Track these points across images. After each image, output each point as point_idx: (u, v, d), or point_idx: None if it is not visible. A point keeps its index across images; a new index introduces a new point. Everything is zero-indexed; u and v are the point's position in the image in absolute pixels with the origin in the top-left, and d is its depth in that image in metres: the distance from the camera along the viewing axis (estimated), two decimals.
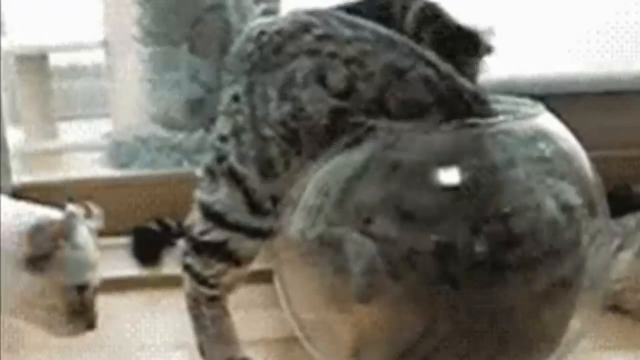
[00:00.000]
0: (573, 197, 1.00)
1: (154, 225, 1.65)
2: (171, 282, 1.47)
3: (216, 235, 1.10)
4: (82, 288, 1.07)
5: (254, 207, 1.08)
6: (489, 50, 1.13)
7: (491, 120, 1.00)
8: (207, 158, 1.12)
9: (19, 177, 1.82)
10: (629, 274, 1.31)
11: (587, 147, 1.71)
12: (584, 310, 1.04)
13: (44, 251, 1.05)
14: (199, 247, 1.11)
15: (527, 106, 1.09)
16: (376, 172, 0.99)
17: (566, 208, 0.98)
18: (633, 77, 1.78)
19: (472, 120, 0.99)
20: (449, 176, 0.98)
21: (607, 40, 1.81)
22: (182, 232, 1.64)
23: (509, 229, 0.96)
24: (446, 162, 0.98)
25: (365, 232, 0.98)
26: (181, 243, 1.16)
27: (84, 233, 1.10)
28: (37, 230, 1.05)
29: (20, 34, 2.58)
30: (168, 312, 1.40)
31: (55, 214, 1.09)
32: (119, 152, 1.90)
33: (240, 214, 1.08)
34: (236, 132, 1.08)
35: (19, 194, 1.70)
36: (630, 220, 1.40)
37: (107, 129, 2.16)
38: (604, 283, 1.06)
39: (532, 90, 1.72)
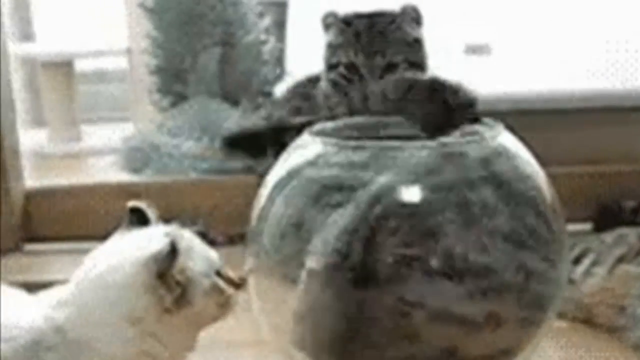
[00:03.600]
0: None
1: None
2: None
3: None
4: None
5: None
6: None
7: (447, 140, 1.05)
8: None
9: (40, 180, 1.89)
10: (602, 289, 1.35)
11: (579, 162, 1.76)
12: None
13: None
14: None
15: (488, 126, 1.13)
16: (334, 191, 1.04)
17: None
18: (630, 93, 1.81)
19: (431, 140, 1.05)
20: (408, 194, 1.03)
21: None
22: None
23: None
24: (406, 181, 1.03)
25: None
26: None
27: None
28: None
29: (47, 41, 2.66)
30: None
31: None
32: (133, 157, 1.97)
33: None
34: None
35: (31, 197, 1.78)
36: (607, 236, 1.44)
37: (129, 133, 2.23)
38: (558, 299, 1.09)
39: (530, 106, 1.77)
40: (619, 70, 1.79)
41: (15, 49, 2.45)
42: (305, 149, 1.10)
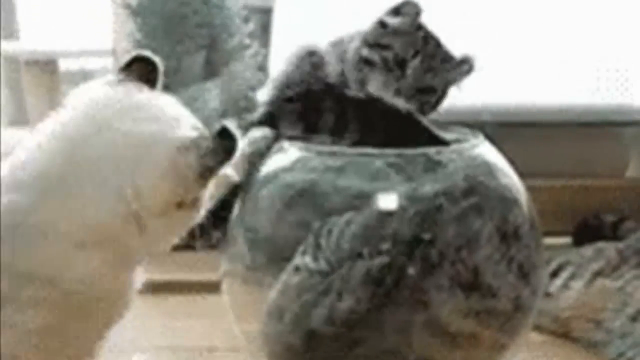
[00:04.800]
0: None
1: None
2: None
3: None
4: None
5: None
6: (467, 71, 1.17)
7: (425, 149, 1.04)
8: None
9: None
10: (579, 303, 1.34)
11: (560, 175, 1.76)
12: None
13: None
14: None
15: (468, 136, 1.12)
16: (310, 196, 1.03)
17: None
18: (614, 108, 1.81)
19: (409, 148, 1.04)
20: (384, 201, 1.02)
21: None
22: None
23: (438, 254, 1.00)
24: (381, 188, 1.03)
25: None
26: None
27: None
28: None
29: (31, 39, 2.64)
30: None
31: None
32: None
33: None
34: None
35: None
36: (586, 250, 1.44)
37: None
38: (532, 312, 1.09)
39: (513, 118, 1.77)
40: (603, 85, 1.80)
41: None
42: (283, 154, 1.09)
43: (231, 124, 0.84)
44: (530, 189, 1.11)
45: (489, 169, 1.08)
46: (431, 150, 1.06)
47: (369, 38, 1.16)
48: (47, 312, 0.80)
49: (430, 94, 1.15)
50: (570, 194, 1.75)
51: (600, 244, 1.46)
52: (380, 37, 1.15)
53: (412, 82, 1.14)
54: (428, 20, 1.17)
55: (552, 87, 1.81)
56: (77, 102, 0.85)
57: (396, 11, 1.16)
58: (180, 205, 0.83)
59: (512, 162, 1.11)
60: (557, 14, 1.80)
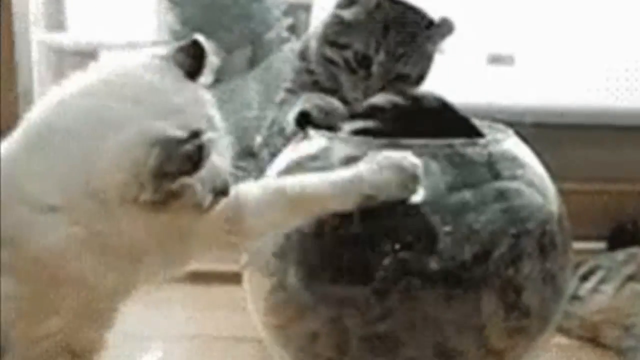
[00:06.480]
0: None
1: None
2: None
3: None
4: None
5: None
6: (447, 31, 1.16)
7: (451, 141, 1.03)
8: None
9: None
10: (609, 307, 1.32)
11: (597, 180, 1.74)
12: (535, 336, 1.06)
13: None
14: None
15: (498, 131, 1.10)
16: None
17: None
18: None
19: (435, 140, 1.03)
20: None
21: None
22: None
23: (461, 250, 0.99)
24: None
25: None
26: None
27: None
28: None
29: (77, 31, 2.66)
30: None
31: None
32: None
33: None
34: None
35: None
36: (619, 254, 1.41)
37: None
38: (556, 314, 1.06)
39: (551, 120, 1.75)
40: None
41: (45, 37, 2.47)
42: (309, 143, 1.08)
43: (208, 136, 0.75)
44: (566, 193, 1.08)
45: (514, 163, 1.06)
46: (458, 143, 1.04)
47: (328, 36, 1.14)
48: (17, 278, 0.76)
49: (406, 80, 1.13)
50: (607, 198, 1.72)
51: (634, 249, 1.43)
52: (337, 34, 1.13)
53: (380, 77, 1.12)
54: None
55: (590, 89, 1.79)
56: (95, 67, 0.82)
57: (350, 1, 1.14)
58: (136, 202, 0.75)
59: (548, 164, 1.09)
60: (598, 17, 1.78)
